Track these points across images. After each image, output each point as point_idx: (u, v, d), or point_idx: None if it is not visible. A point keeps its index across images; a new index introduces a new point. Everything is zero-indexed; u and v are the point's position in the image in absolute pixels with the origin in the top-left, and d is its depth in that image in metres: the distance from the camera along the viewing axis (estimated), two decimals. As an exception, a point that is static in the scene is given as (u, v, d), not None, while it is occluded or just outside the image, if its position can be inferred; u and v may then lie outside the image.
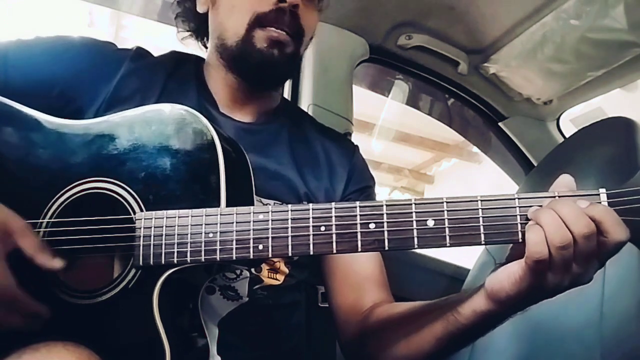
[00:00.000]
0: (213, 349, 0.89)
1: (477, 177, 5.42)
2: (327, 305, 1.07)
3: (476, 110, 1.92)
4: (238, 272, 0.95)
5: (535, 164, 1.81)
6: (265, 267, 0.98)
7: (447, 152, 6.38)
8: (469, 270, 1.55)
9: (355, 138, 1.49)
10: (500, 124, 1.90)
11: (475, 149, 4.33)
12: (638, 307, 0.98)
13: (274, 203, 0.96)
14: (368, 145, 5.00)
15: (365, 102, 2.00)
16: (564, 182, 0.69)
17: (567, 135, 1.76)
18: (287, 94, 1.63)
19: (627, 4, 1.32)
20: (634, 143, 1.10)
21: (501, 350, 1.21)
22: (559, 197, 0.67)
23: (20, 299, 0.72)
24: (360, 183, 1.09)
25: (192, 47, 1.13)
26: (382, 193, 7.14)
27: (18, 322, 0.72)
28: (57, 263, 0.74)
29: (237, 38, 0.95)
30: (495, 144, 2.01)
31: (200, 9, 1.06)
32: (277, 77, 1.03)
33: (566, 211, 0.63)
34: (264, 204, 0.94)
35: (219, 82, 1.05)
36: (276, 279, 0.99)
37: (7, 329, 0.71)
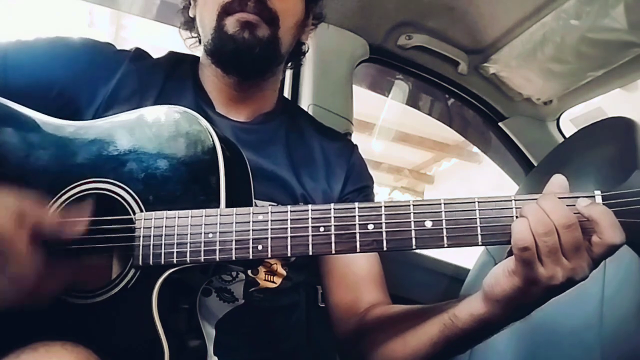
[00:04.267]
0: (210, 349, 0.90)
1: (477, 177, 5.42)
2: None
3: (476, 110, 1.92)
4: (234, 274, 0.95)
5: (535, 164, 1.81)
6: (262, 270, 0.97)
7: (447, 152, 6.39)
8: (469, 270, 1.55)
9: (355, 138, 1.49)
10: (500, 124, 1.90)
11: (475, 149, 4.33)
12: (638, 308, 0.98)
13: (269, 204, 0.96)
14: (368, 145, 5.00)
15: (365, 102, 1.99)
16: (557, 182, 0.70)
17: (567, 135, 1.76)
18: (287, 93, 1.63)
19: (627, 4, 1.32)
20: (634, 143, 1.10)
21: (501, 350, 1.21)
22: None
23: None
24: (358, 183, 1.09)
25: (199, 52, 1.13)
26: (382, 193, 7.14)
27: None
28: (79, 227, 0.74)
29: (212, 30, 0.97)
30: (495, 144, 2.01)
31: (191, 13, 1.09)
32: (256, 63, 0.99)
33: (547, 204, 0.65)
34: (258, 206, 0.94)
35: (212, 81, 1.05)
36: (273, 282, 0.99)
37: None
